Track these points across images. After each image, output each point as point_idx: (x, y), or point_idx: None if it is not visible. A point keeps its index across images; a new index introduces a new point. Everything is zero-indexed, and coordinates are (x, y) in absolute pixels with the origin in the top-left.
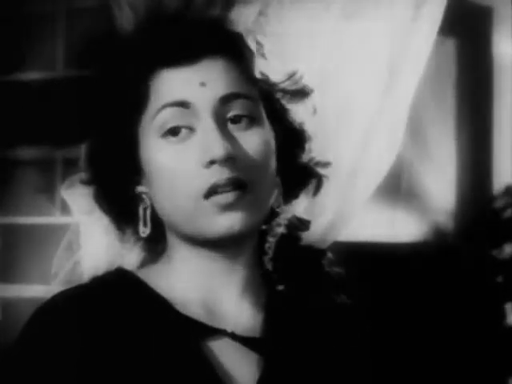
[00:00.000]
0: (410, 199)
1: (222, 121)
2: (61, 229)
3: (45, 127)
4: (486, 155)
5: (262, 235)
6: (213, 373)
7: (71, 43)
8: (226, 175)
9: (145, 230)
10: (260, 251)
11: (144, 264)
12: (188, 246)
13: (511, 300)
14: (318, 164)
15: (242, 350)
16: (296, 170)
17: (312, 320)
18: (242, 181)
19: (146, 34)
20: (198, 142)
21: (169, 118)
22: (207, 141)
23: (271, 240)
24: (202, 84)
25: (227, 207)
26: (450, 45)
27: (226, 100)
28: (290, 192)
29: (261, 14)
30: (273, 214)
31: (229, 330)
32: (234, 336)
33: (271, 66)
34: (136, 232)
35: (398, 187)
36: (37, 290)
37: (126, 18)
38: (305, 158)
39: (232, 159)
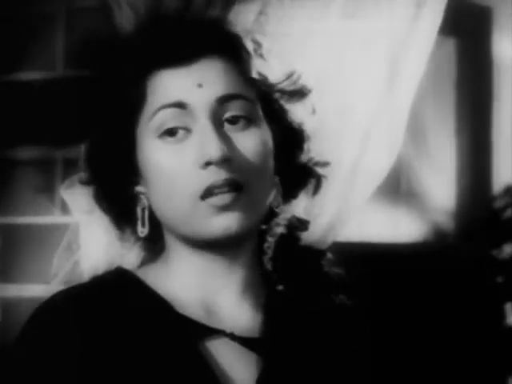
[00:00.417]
0: (410, 199)
1: (218, 122)
2: (60, 229)
3: (44, 127)
4: (486, 155)
5: (262, 235)
6: (211, 373)
7: (71, 43)
8: (222, 176)
9: (143, 231)
10: (259, 251)
11: (144, 263)
12: (186, 247)
13: (511, 300)
14: (317, 164)
15: (241, 351)
16: (295, 169)
17: (311, 320)
18: (238, 182)
19: (145, 35)
20: (195, 143)
21: (166, 118)
22: (204, 142)
23: (270, 240)
24: (199, 85)
25: (223, 208)
26: (450, 45)
27: (222, 101)
28: (289, 192)
29: (261, 13)
30: (272, 214)
31: (228, 330)
32: (232, 336)
33: (270, 66)
34: (135, 232)
35: (397, 187)
36: (37, 289)
37: (125, 17)
38: (304, 157)
39: (228, 160)
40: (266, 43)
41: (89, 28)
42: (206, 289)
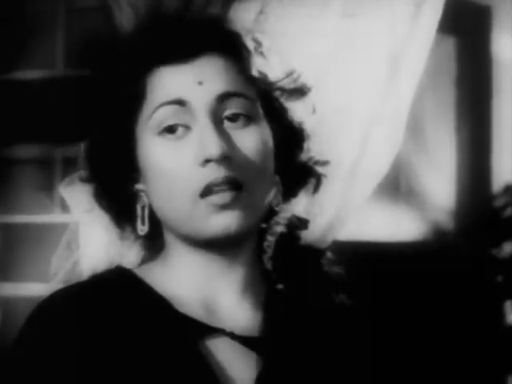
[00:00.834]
0: (410, 198)
1: (218, 119)
2: (60, 227)
3: (44, 126)
4: (486, 153)
5: (262, 234)
6: (211, 372)
7: (71, 42)
8: (221, 174)
9: (143, 229)
10: (259, 250)
11: (143, 262)
12: (185, 245)
13: (511, 299)
14: (316, 163)
15: (241, 350)
16: (295, 168)
17: (311, 319)
18: (237, 180)
19: (145, 33)
20: (195, 141)
21: (166, 116)
22: (203, 139)
23: (270, 239)
24: (199, 83)
25: (223, 207)
26: (450, 43)
27: (222, 98)
28: (289, 191)
29: (260, 12)
30: (272, 213)
31: (228, 329)
32: (232, 335)
33: (270, 65)
34: (135, 230)
35: (397, 186)
36: (36, 288)
37: (125, 17)
38: (304, 156)
39: (228, 158)
40: (265, 42)
41: (88, 27)
42: (205, 288)
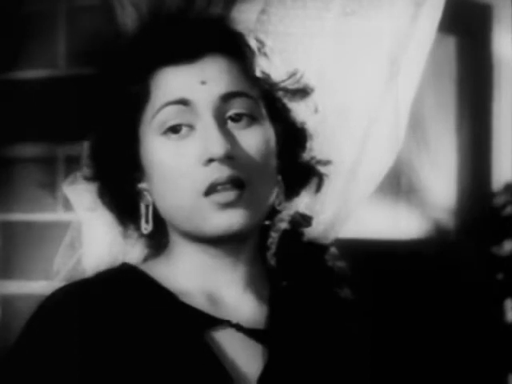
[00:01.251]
0: (411, 196)
1: (221, 119)
2: (63, 226)
3: (46, 124)
4: (486, 152)
5: (265, 231)
6: (217, 363)
7: (73, 42)
8: (225, 173)
9: (147, 227)
10: (263, 247)
11: (147, 259)
12: (189, 243)
13: (511, 296)
14: (319, 162)
15: (246, 341)
16: (297, 168)
17: (315, 313)
18: (241, 179)
19: (148, 33)
20: (198, 140)
21: (170, 115)
22: (207, 139)
23: (274, 236)
24: (203, 82)
25: (226, 206)
26: (450, 42)
27: (226, 98)
28: (291, 190)
29: (263, 12)
30: (275, 212)
31: (233, 321)
32: (238, 327)
33: (273, 65)
34: (138, 228)
35: (398, 185)
36: (39, 286)
37: (128, 16)
38: (306, 156)
39: (231, 157)
40: (268, 42)
41: (91, 27)
42: (210, 282)
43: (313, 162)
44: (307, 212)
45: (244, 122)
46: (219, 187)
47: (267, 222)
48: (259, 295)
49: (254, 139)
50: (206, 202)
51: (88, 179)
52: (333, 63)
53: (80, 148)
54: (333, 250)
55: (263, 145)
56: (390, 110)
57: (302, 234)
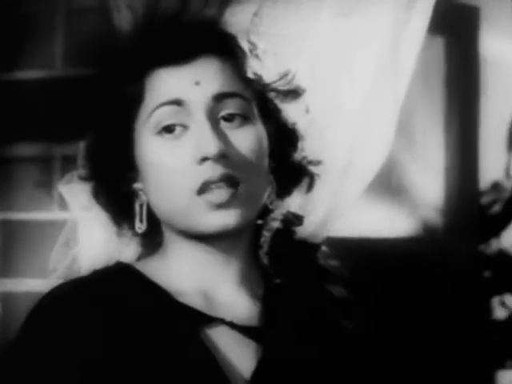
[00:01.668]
0: (400, 196)
1: (214, 119)
2: (58, 224)
3: (43, 124)
4: (474, 152)
5: (259, 230)
6: (212, 360)
7: (70, 43)
8: (218, 172)
9: (141, 226)
10: (256, 245)
11: (141, 258)
12: (184, 241)
13: (498, 294)
14: (310, 162)
15: (240, 339)
16: (289, 168)
17: (308, 311)
18: (234, 178)
19: (143, 35)
20: (192, 139)
21: (164, 116)
22: (200, 138)
23: (267, 235)
24: (196, 83)
25: (220, 206)
26: (439, 43)
27: (219, 98)
28: (284, 189)
29: (255, 14)
30: (267, 211)
31: (227, 318)
32: (232, 324)
33: (265, 66)
34: (133, 227)
35: (388, 184)
36: (35, 284)
37: (124, 18)
38: (297, 156)
39: (224, 156)
40: (261, 44)
41: (87, 28)
42: (204, 280)
43: (304, 161)
44: (299, 211)
45: (237, 121)
46: (213, 185)
47: (260, 221)
48: (253, 293)
49: (247, 139)
50: (200, 201)
51: (83, 179)
52: (325, 64)
53: (76, 147)
54: (324, 248)
55: (256, 144)
56: (380, 110)
57: (294, 233)
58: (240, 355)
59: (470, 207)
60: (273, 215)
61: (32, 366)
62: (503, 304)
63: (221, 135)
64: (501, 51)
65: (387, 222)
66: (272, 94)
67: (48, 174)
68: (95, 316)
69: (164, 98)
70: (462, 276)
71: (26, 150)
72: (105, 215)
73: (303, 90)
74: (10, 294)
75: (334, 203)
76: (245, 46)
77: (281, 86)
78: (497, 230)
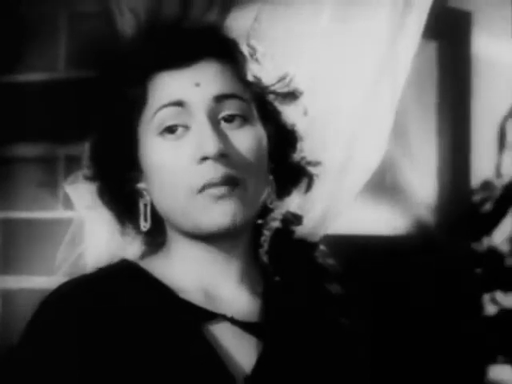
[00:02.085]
0: (394, 195)
1: (215, 120)
2: (63, 223)
3: (47, 126)
4: (465, 153)
5: (259, 229)
6: (215, 355)
7: (73, 46)
8: (219, 171)
9: (145, 225)
10: (256, 244)
11: (144, 256)
12: (186, 239)
13: (489, 291)
14: (309, 163)
15: (241, 334)
16: (288, 168)
17: (306, 307)
18: (234, 177)
19: (146, 39)
20: (193, 139)
21: (166, 117)
22: (201, 138)
23: (267, 234)
24: (197, 84)
25: (220, 198)
26: (432, 47)
27: (219, 100)
28: (283, 189)
29: (255, 19)
30: (267, 210)
31: (228, 314)
32: (233, 320)
33: (264, 70)
34: (137, 226)
35: (382, 184)
36: (41, 281)
37: (127, 23)
38: (296, 157)
39: (225, 156)
40: (260, 48)
41: (91, 32)
42: (206, 277)
43: (303, 162)
44: (298, 211)
45: (236, 122)
46: (213, 186)
47: (260, 221)
48: (253, 290)
49: (246, 139)
50: (201, 198)
51: (88, 179)
52: (322, 68)
53: (79, 148)
54: (322, 247)
55: (255, 144)
56: (376, 113)
57: (292, 233)
58: (241, 350)
59: (462, 206)
60: (273, 215)
61: (41, 363)
62: (494, 300)
63: (221, 135)
64: (491, 54)
65: (382, 220)
66: (271, 97)
67: (52, 174)
68: (101, 312)
69: (166, 100)
70: (454, 272)
71: (30, 150)
72: (109, 214)
73: (301, 93)
74: (17, 290)
75: (331, 202)
76: (245, 49)
77: (279, 88)
78: (488, 228)
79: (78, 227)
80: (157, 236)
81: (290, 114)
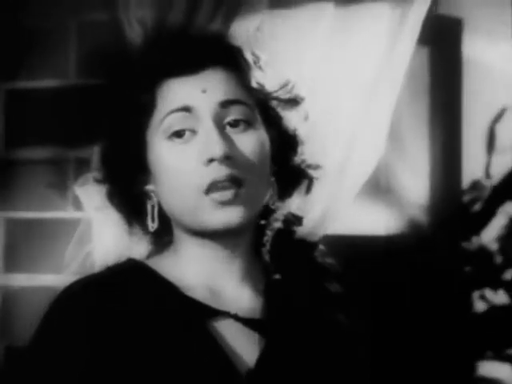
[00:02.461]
0: (388, 196)
1: (221, 124)
2: (72, 223)
3: (58, 130)
4: (456, 155)
5: (262, 229)
6: (219, 350)
7: (83, 54)
8: (224, 172)
9: (153, 225)
10: (259, 244)
11: (151, 255)
12: (192, 238)
13: (478, 288)
14: (309, 166)
15: (244, 330)
16: (289, 171)
17: (307, 305)
18: (238, 178)
19: (154, 48)
20: (200, 143)
21: (174, 122)
22: (207, 141)
23: (269, 234)
24: (203, 91)
25: (225, 203)
26: (424, 53)
27: (224, 105)
28: (284, 191)
29: (257, 29)
30: (269, 211)
31: (232, 311)
32: (236, 317)
33: (267, 77)
34: (144, 226)
35: (377, 185)
36: (51, 279)
37: (134, 32)
38: (297, 160)
39: (230, 158)
40: (263, 56)
41: (99, 40)
42: (210, 275)
43: (303, 165)
44: (298, 212)
45: (241, 127)
46: (219, 185)
47: (263, 222)
48: (255, 288)
49: (250, 142)
50: (207, 200)
51: (98, 181)
52: (322, 75)
53: (88, 151)
54: (321, 247)
55: (258, 148)
56: (373, 117)
57: (293, 233)
58: (244, 345)
59: (453, 206)
60: (275, 216)
61: (52, 362)
62: (483, 298)
63: (226, 139)
64: (482, 59)
65: (377, 221)
66: (274, 102)
67: (62, 176)
68: (112, 310)
69: (174, 106)
70: (445, 271)
71: (41, 153)
72: (117, 215)
73: (302, 99)
74: (27, 288)
75: (330, 203)
76: (249, 57)
77: (281, 94)
78: (478, 228)
79: (86, 227)
80: (163, 236)
81: (291, 119)
